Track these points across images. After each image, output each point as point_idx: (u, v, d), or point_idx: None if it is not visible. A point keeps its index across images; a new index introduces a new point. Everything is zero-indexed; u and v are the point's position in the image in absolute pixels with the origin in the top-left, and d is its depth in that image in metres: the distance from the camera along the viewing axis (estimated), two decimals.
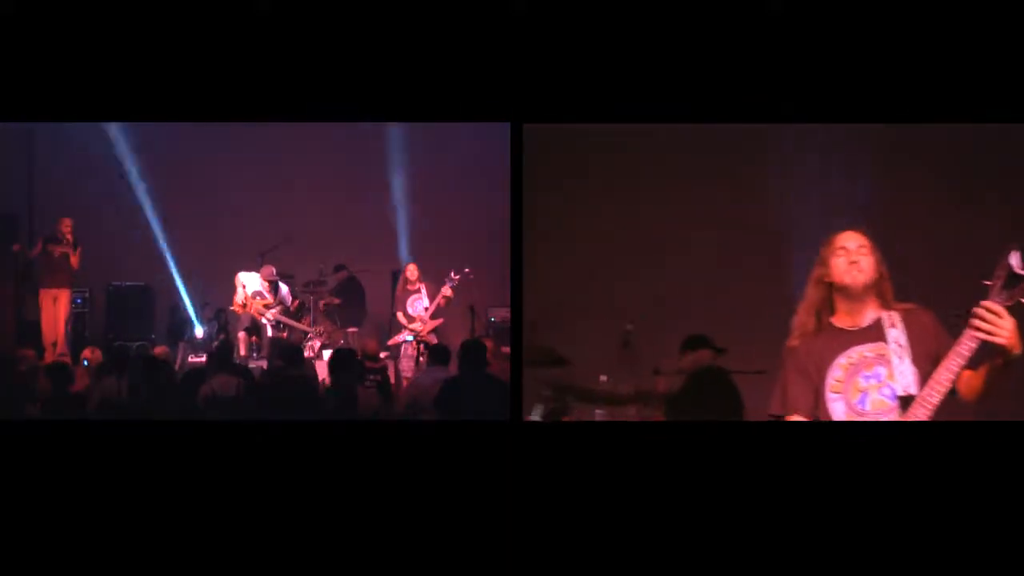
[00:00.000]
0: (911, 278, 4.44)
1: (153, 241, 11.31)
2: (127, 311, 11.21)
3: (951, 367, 3.92)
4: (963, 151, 7.13)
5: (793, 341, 4.34)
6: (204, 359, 9.41)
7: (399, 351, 10.49)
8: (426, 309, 10.57)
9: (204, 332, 11.09)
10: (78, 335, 10.71)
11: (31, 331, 10.18)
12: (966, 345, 3.89)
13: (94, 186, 10.94)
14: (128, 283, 11.30)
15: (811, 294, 4.32)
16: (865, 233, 4.29)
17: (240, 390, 7.46)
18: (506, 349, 9.13)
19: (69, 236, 10.18)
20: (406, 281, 10.81)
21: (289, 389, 7.57)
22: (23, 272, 10.40)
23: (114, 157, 10.97)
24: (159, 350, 9.24)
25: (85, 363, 9.11)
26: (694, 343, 6.87)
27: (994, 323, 3.83)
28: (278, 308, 10.60)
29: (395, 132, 11.38)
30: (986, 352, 3.91)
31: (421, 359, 10.18)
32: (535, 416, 6.86)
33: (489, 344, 7.94)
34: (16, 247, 10.22)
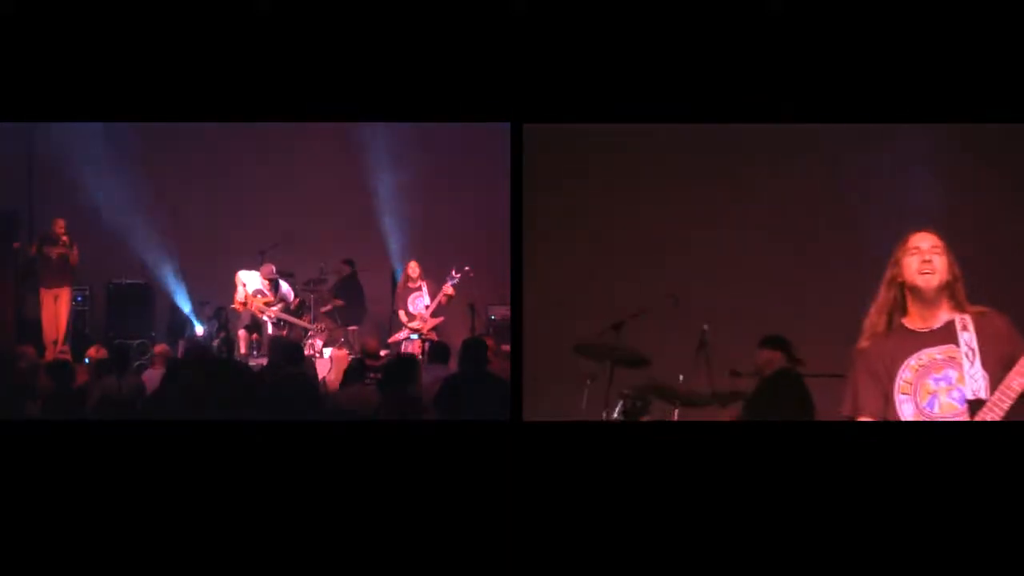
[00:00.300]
0: (985, 280, 4.40)
1: (154, 239, 11.32)
2: (127, 309, 11.21)
3: (1023, 371, 3.91)
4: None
5: (863, 343, 4.29)
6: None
7: (399, 349, 10.49)
8: (427, 307, 10.58)
9: (204, 330, 11.10)
10: (79, 333, 10.71)
11: (31, 329, 10.17)
12: None
13: (94, 183, 10.93)
14: (128, 281, 11.31)
15: (883, 294, 4.26)
16: (938, 234, 4.22)
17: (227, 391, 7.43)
18: (506, 347, 9.17)
19: (64, 236, 10.14)
20: (407, 279, 10.81)
21: (289, 387, 7.56)
22: (24, 270, 10.37)
23: (114, 155, 10.98)
24: (159, 348, 9.25)
25: (86, 360, 9.12)
26: (767, 343, 6.90)
27: None
28: (279, 306, 10.61)
29: (395, 130, 11.38)
30: None
31: (420, 356, 10.19)
32: (616, 414, 6.90)
33: (490, 342, 7.96)
34: (16, 245, 10.20)
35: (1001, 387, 3.94)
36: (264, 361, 9.62)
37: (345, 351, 10.23)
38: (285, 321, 10.61)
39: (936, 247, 4.18)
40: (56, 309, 10.20)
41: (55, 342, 10.12)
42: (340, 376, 8.30)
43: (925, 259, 4.14)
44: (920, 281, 4.15)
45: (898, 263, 4.22)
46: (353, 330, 11.06)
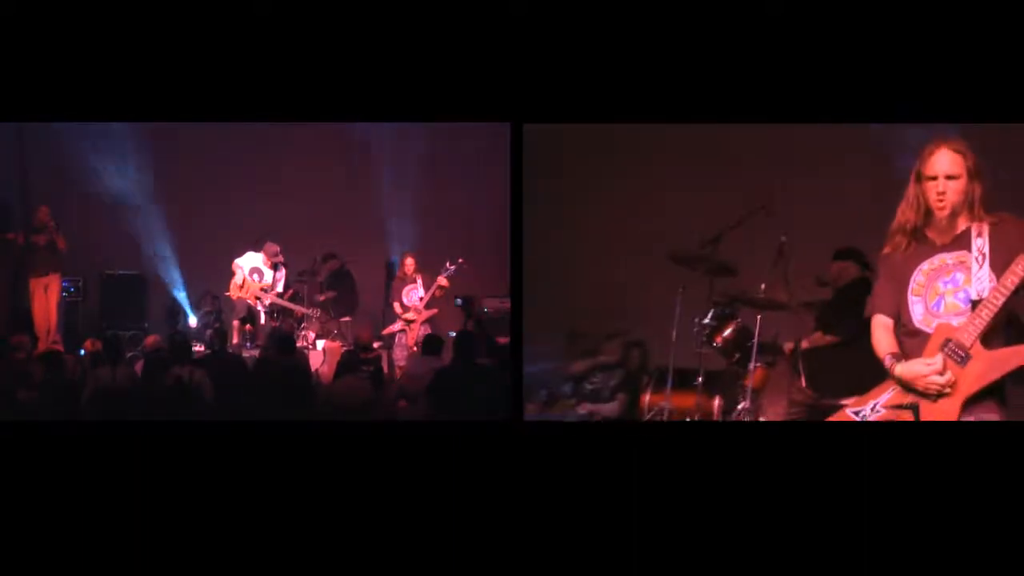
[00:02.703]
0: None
1: (148, 230, 11.30)
2: (121, 300, 11.17)
3: (1017, 271, 4.10)
4: None
5: (887, 249, 4.49)
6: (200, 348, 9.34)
7: (393, 341, 10.50)
8: (421, 299, 10.57)
9: (197, 321, 11.07)
10: (71, 324, 10.67)
11: (26, 319, 10.12)
12: None
13: (87, 174, 10.89)
14: (121, 271, 11.27)
15: (911, 190, 4.37)
16: (961, 146, 4.30)
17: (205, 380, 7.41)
18: (499, 340, 9.20)
19: (50, 223, 10.04)
20: (403, 273, 10.79)
21: (281, 378, 7.58)
22: (16, 261, 10.29)
23: (108, 146, 10.95)
24: (151, 339, 9.23)
25: (81, 352, 9.10)
26: (839, 255, 7.15)
27: None
28: (274, 293, 10.56)
29: (392, 125, 11.35)
30: None
31: (414, 348, 10.20)
32: (707, 319, 7.32)
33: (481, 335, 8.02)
34: (10, 236, 10.13)
35: (996, 285, 4.15)
36: (257, 352, 9.61)
37: (338, 343, 10.23)
38: (281, 307, 10.58)
39: (953, 171, 4.27)
40: (46, 299, 10.14)
41: (47, 331, 10.07)
42: (333, 368, 8.32)
43: (939, 191, 4.27)
44: (935, 209, 4.30)
45: (920, 176, 4.34)
46: (346, 321, 11.05)
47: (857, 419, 4.42)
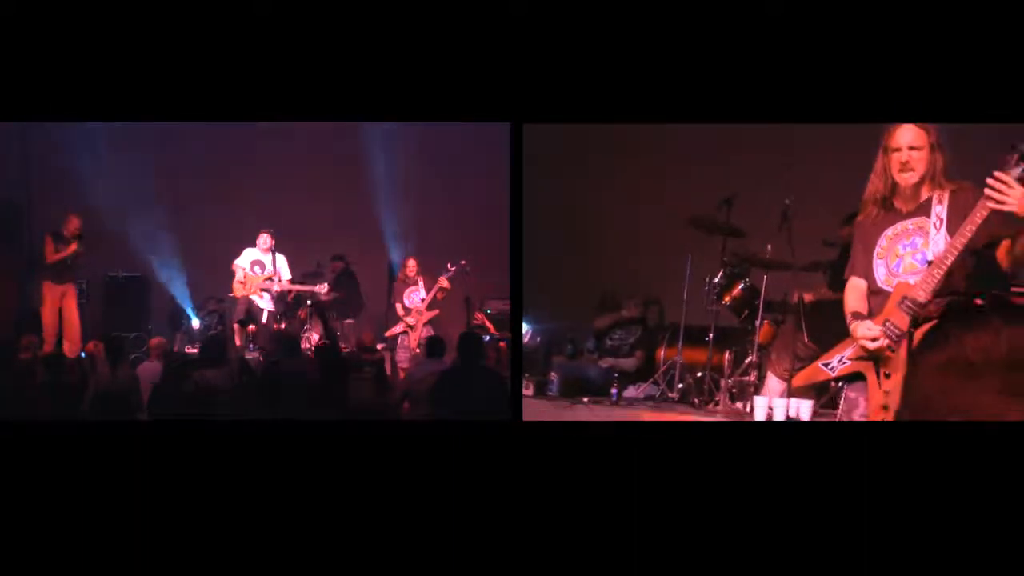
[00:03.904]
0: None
1: (152, 232, 11.30)
2: (124, 302, 11.16)
3: (965, 232, 4.43)
4: None
5: (859, 217, 4.98)
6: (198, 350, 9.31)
7: (396, 342, 10.49)
8: (422, 301, 10.56)
9: (200, 324, 11.06)
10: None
11: (37, 321, 10.08)
12: (979, 213, 4.39)
13: (92, 176, 10.88)
14: (125, 273, 11.26)
15: (880, 161, 4.81)
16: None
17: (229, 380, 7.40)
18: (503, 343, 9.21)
19: (78, 236, 9.99)
20: (405, 275, 10.78)
21: (285, 380, 7.56)
22: (38, 265, 10.23)
23: (113, 148, 10.96)
24: (155, 341, 9.23)
25: (83, 355, 9.10)
26: (849, 220, 7.13)
27: (1004, 192, 4.29)
28: (283, 281, 10.51)
29: (394, 127, 11.36)
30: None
31: (418, 350, 10.18)
32: (718, 279, 7.65)
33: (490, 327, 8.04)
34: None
35: (947, 247, 4.52)
36: (259, 355, 9.60)
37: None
38: (292, 291, 10.52)
39: (916, 142, 4.70)
40: (64, 306, 10.03)
41: (71, 338, 9.97)
42: None
43: (903, 160, 4.69)
44: (899, 179, 4.76)
45: (885, 151, 4.78)
46: (349, 323, 11.05)
47: (827, 370, 4.88)
